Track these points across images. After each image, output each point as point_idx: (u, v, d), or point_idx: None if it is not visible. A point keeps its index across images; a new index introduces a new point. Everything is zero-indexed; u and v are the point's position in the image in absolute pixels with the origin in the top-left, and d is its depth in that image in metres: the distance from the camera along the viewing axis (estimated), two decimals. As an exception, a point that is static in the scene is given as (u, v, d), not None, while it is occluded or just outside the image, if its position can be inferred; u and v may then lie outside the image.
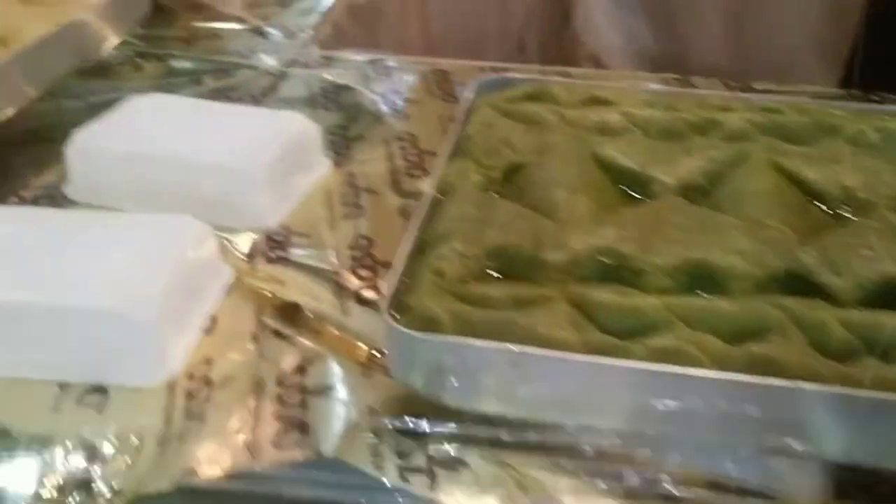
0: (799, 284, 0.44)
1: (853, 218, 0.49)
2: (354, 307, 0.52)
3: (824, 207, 0.51)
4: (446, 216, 0.48)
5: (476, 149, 0.54)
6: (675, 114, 0.58)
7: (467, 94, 0.62)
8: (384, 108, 0.74)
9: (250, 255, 0.54)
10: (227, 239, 0.55)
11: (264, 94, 0.76)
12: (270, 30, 0.89)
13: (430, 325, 0.40)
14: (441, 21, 1.91)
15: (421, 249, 0.47)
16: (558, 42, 2.79)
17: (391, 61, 0.82)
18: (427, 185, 0.52)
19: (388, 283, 0.43)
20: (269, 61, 0.82)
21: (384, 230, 0.59)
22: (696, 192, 0.52)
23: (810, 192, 0.52)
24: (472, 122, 0.57)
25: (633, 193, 0.52)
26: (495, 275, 0.45)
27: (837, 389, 0.37)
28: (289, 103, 0.73)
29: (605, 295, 0.42)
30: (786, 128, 0.57)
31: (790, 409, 0.37)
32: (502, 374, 0.39)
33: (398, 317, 0.41)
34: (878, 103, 0.63)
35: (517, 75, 0.65)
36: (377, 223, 0.59)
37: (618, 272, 0.44)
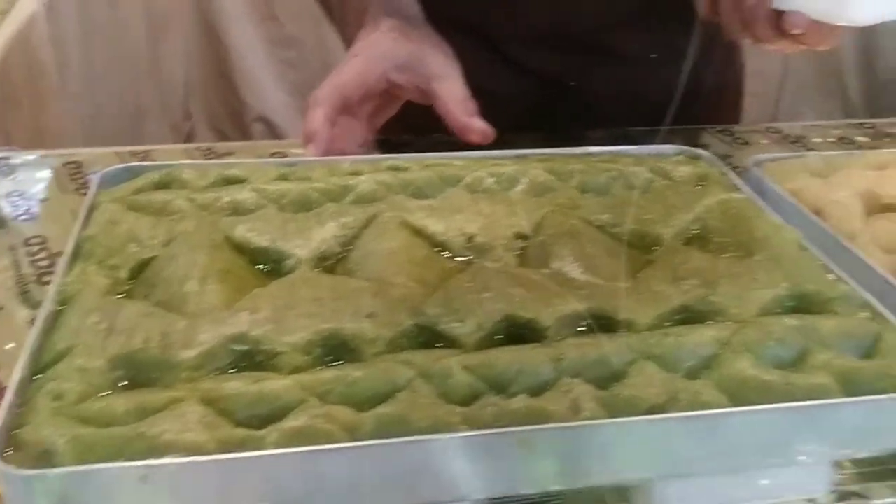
0: (428, 337, 0.47)
1: (474, 262, 0.53)
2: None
3: (450, 256, 0.55)
4: (65, 330, 0.44)
5: (99, 249, 0.51)
6: (307, 184, 0.59)
7: (91, 188, 0.59)
8: (9, 211, 0.68)
9: None
10: None
11: None
12: None
13: (46, 457, 0.37)
14: (89, 102, 1.81)
15: (41, 370, 0.43)
16: (226, 107, 2.75)
17: (16, 157, 0.76)
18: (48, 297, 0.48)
19: None
20: None
21: (11, 351, 0.54)
22: (332, 261, 0.53)
23: (437, 244, 0.55)
24: (94, 220, 0.54)
25: (269, 272, 0.52)
26: (125, 385, 0.43)
27: (458, 434, 0.39)
28: None
29: (236, 385, 0.41)
30: (412, 184, 0.61)
31: (427, 460, 0.39)
32: (135, 494, 0.37)
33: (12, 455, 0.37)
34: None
35: (147, 162, 0.63)
36: (2, 344, 0.54)
37: (253, 358, 0.44)
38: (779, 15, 0.64)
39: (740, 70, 1.04)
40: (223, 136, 2.54)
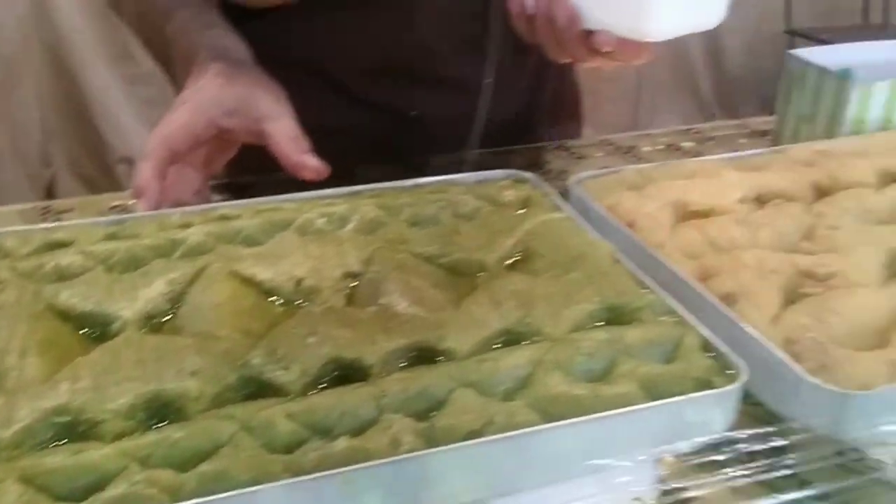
0: (255, 388, 0.48)
1: (303, 306, 0.54)
2: None
3: (281, 302, 0.56)
4: None
5: None
6: (135, 241, 0.59)
7: None
8: None
9: None
10: None
11: None
12: None
13: None
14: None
15: None
16: (88, 150, 2.68)
17: None
18: None
19: None
20: None
21: None
22: (160, 320, 0.53)
23: (266, 292, 0.56)
24: None
25: (97, 336, 0.52)
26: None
27: (279, 483, 0.40)
28: None
29: (54, 460, 0.41)
30: (242, 231, 0.62)
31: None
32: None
33: None
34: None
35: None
36: None
37: (76, 429, 0.44)
38: (589, 34, 0.68)
39: (575, 86, 1.09)
40: (87, 181, 2.47)
